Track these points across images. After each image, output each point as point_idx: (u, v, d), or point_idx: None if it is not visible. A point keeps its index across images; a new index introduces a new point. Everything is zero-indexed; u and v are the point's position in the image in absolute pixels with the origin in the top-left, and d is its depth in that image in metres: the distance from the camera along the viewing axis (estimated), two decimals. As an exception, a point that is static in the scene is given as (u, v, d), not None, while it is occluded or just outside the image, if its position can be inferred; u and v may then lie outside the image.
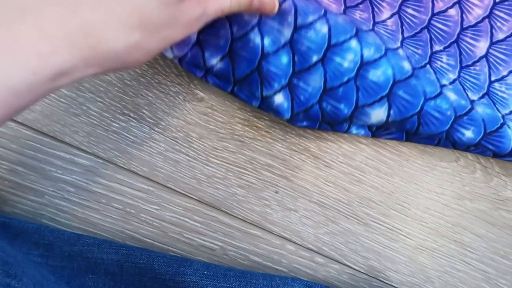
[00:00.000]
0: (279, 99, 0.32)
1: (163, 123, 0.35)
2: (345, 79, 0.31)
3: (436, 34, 0.34)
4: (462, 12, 0.34)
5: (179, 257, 0.34)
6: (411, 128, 0.33)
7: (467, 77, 0.34)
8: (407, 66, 0.32)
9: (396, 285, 0.37)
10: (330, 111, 0.32)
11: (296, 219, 0.36)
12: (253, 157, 0.35)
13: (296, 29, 0.30)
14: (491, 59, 0.34)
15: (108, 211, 0.35)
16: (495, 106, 0.34)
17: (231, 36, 0.31)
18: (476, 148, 0.35)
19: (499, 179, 0.37)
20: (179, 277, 0.33)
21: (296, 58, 0.31)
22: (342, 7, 0.33)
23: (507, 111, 0.34)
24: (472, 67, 0.34)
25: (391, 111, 0.32)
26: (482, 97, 0.34)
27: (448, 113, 0.32)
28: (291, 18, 0.30)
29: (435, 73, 0.33)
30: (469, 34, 0.34)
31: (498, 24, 0.34)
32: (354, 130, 0.34)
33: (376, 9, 0.34)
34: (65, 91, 0.34)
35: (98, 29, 0.21)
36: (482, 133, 0.33)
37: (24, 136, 0.34)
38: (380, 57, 0.31)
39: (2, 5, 0.20)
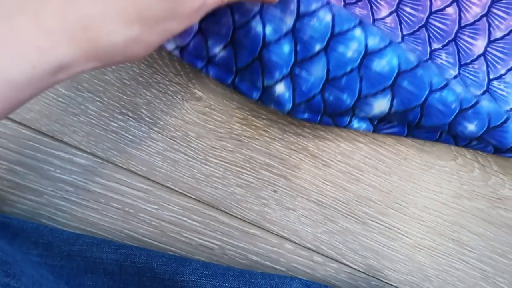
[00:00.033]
0: (280, 89, 0.31)
1: (161, 123, 0.35)
2: (349, 69, 0.31)
3: (434, 33, 0.34)
4: (460, 10, 0.34)
5: (178, 257, 0.34)
6: (414, 119, 0.33)
7: (466, 74, 0.34)
8: (412, 57, 0.31)
9: (394, 284, 0.37)
10: (332, 101, 0.32)
11: (294, 218, 0.36)
12: (252, 156, 0.35)
13: (299, 17, 0.30)
14: (489, 57, 0.34)
15: (107, 210, 0.35)
16: (497, 102, 0.34)
17: (233, 24, 0.30)
18: (478, 143, 0.34)
19: (497, 178, 0.37)
20: (178, 276, 0.33)
21: (298, 47, 0.30)
22: (342, 4, 0.33)
23: (508, 108, 0.34)
24: (470, 65, 0.34)
25: (394, 102, 0.32)
26: (483, 93, 0.34)
27: (453, 106, 0.32)
28: (293, 6, 0.30)
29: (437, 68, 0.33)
30: (467, 33, 0.34)
31: (496, 22, 0.34)
32: (355, 123, 0.34)
33: (374, 7, 0.34)
34: (63, 90, 0.34)
35: (97, 23, 0.21)
36: (486, 127, 0.33)
37: (23, 135, 0.34)
38: (385, 47, 0.31)
39: (1, 0, 0.20)
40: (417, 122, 0.33)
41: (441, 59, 0.34)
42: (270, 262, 0.36)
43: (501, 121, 0.33)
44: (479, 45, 0.34)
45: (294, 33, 0.30)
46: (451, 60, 0.34)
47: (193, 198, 0.35)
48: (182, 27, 0.24)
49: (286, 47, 0.30)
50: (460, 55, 0.34)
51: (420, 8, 0.33)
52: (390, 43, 0.31)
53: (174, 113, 0.35)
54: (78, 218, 0.35)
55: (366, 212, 0.36)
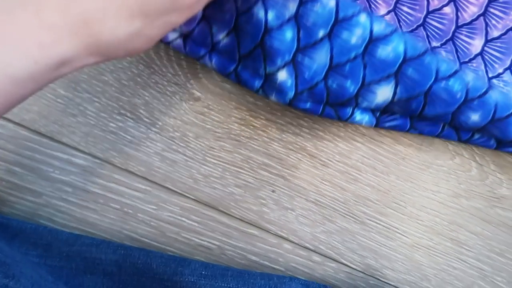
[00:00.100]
0: (283, 76, 0.31)
1: (160, 123, 0.35)
2: (353, 55, 0.30)
3: (432, 32, 0.34)
4: (457, 10, 0.34)
5: (177, 257, 0.34)
6: (417, 108, 0.32)
7: (467, 71, 0.34)
8: (420, 43, 0.31)
9: (392, 283, 0.37)
10: (335, 89, 0.31)
11: (293, 218, 0.36)
12: (250, 157, 0.35)
13: (302, 2, 0.29)
14: (486, 56, 0.34)
15: (105, 211, 0.35)
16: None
17: (236, 10, 0.30)
18: (481, 136, 0.34)
19: (495, 177, 0.37)
20: (177, 277, 0.33)
21: (301, 33, 0.30)
22: None
23: None
24: (469, 64, 0.34)
25: (398, 89, 0.31)
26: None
27: (459, 95, 0.31)
28: None
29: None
30: (464, 32, 0.34)
31: (493, 22, 0.34)
32: (358, 115, 0.33)
33: (373, 5, 0.34)
34: (62, 91, 0.34)
35: (98, 17, 0.21)
36: (490, 118, 0.32)
37: (22, 136, 0.34)
38: (392, 32, 0.30)
39: None
40: (420, 111, 0.32)
41: (442, 55, 0.33)
42: (269, 262, 0.36)
43: (507, 113, 0.32)
44: (477, 44, 0.34)
45: (297, 19, 0.29)
46: (451, 57, 0.34)
47: (191, 199, 0.35)
48: (183, 19, 0.24)
49: (289, 33, 0.30)
50: (458, 54, 0.34)
51: (417, 7, 0.34)
52: (397, 29, 0.30)
53: (173, 114, 0.35)
54: (77, 219, 0.35)
55: (364, 211, 0.36)
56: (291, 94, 0.31)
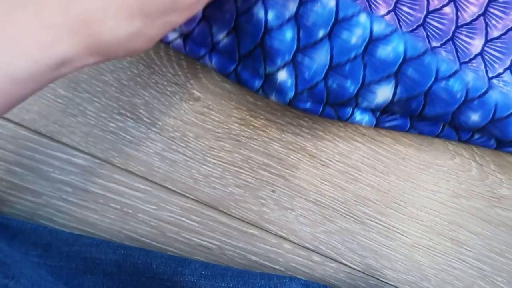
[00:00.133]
0: (283, 76, 0.31)
1: (160, 123, 0.35)
2: (353, 55, 0.30)
3: (432, 32, 0.34)
4: (457, 10, 0.34)
5: (177, 257, 0.34)
6: (417, 108, 0.32)
7: (467, 71, 0.34)
8: (420, 43, 0.31)
9: (392, 283, 0.37)
10: (335, 89, 0.31)
11: (293, 218, 0.36)
12: (250, 157, 0.35)
13: (302, 2, 0.29)
14: (486, 56, 0.34)
15: (105, 211, 0.35)
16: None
17: (236, 10, 0.30)
18: (481, 136, 0.34)
19: (495, 177, 0.37)
20: (177, 277, 0.33)
21: (301, 33, 0.30)
22: None
23: None
24: (469, 64, 0.34)
25: (398, 89, 0.31)
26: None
27: (458, 95, 0.31)
28: None
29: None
30: (464, 32, 0.34)
31: (493, 22, 0.34)
32: (358, 115, 0.33)
33: (373, 5, 0.34)
34: (62, 91, 0.34)
35: (98, 17, 0.21)
36: (490, 118, 0.32)
37: (22, 136, 0.34)
38: (392, 32, 0.30)
39: None
40: (420, 111, 0.32)
41: (442, 55, 0.33)
42: (269, 262, 0.36)
43: (507, 113, 0.32)
44: (477, 44, 0.34)
45: (297, 19, 0.29)
46: (451, 57, 0.34)
47: (191, 199, 0.35)
48: (183, 19, 0.24)
49: (289, 34, 0.30)
50: (458, 54, 0.34)
51: (417, 7, 0.34)
52: (397, 29, 0.30)
53: (173, 114, 0.35)
54: (77, 219, 0.35)
55: (364, 211, 0.36)
56: (291, 94, 0.31)
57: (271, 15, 0.29)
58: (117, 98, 0.34)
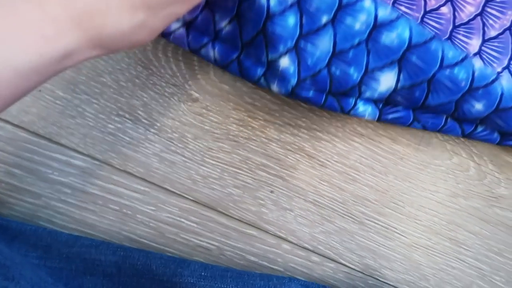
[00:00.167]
0: (285, 62, 0.30)
1: (158, 124, 0.35)
2: (356, 41, 0.30)
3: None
4: (454, 9, 0.34)
5: (176, 258, 0.34)
6: (420, 97, 0.32)
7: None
8: (427, 30, 0.30)
9: (391, 283, 0.37)
10: (339, 76, 0.31)
11: (291, 219, 0.36)
12: (248, 157, 0.36)
13: None
14: (484, 56, 0.34)
15: (104, 212, 0.35)
16: None
17: None
18: (484, 128, 0.34)
19: (493, 177, 0.37)
20: (177, 278, 0.33)
21: (303, 19, 0.29)
22: None
23: None
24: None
25: (401, 76, 0.31)
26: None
27: (463, 84, 0.31)
28: None
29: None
30: (461, 32, 0.34)
31: (490, 21, 0.34)
32: (361, 106, 0.33)
33: None
34: (60, 93, 0.34)
35: (102, 10, 0.21)
36: (494, 107, 0.32)
37: (20, 138, 0.34)
38: (397, 18, 0.29)
39: None
40: (423, 100, 0.32)
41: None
42: (268, 262, 0.36)
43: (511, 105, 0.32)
44: (474, 44, 0.34)
45: (299, 4, 0.29)
46: None
47: (190, 199, 0.35)
48: (186, 9, 0.24)
49: (291, 19, 0.29)
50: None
51: (414, 7, 0.34)
52: (402, 15, 0.30)
53: (171, 115, 0.35)
54: (76, 220, 0.35)
55: (363, 211, 0.36)
56: (293, 81, 0.31)
57: (273, 1, 0.29)
58: (116, 99, 0.34)
